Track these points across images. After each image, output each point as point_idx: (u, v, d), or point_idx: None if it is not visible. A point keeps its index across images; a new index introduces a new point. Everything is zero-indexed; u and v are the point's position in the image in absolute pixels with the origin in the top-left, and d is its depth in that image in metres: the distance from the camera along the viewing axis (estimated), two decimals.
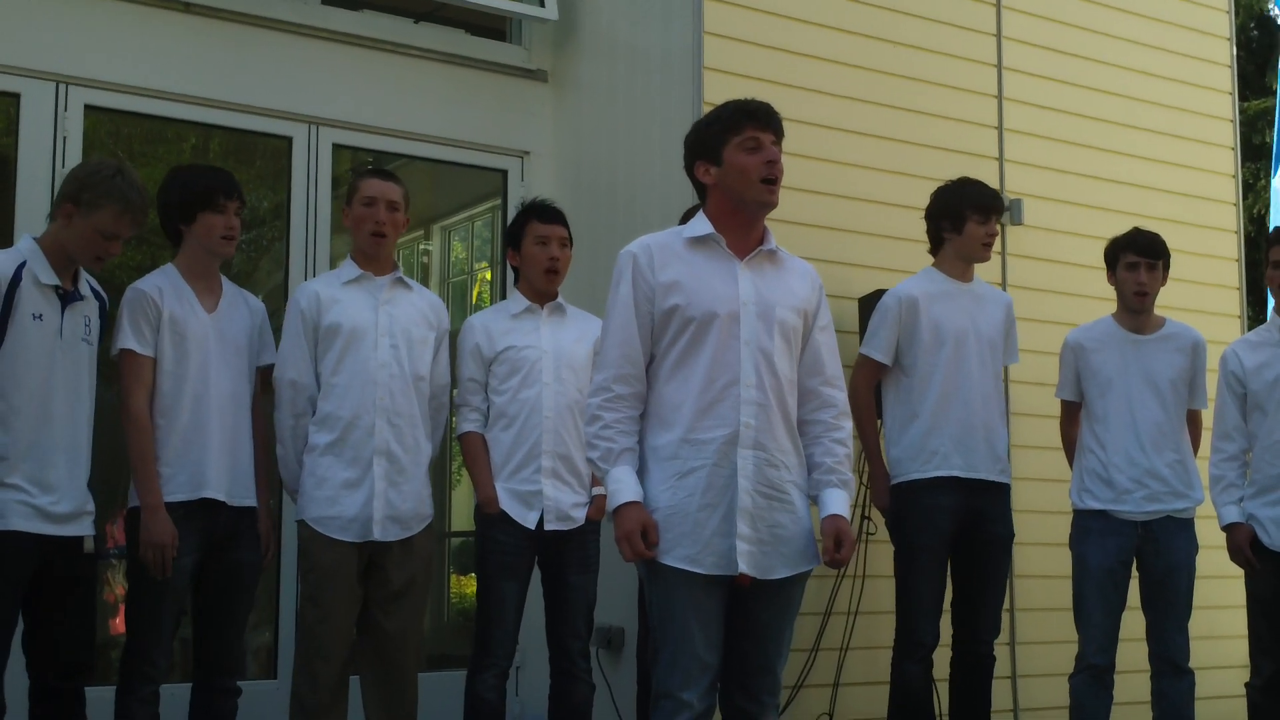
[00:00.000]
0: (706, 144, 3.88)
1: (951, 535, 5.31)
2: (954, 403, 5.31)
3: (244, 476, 4.69)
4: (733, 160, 3.81)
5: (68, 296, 4.33)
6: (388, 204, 4.92)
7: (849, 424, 3.98)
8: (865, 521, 5.86)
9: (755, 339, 3.77)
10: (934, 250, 5.57)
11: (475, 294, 7.37)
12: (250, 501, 4.71)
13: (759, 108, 3.87)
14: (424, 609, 5.03)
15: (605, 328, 3.86)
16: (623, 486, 3.70)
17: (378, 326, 4.85)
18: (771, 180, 3.81)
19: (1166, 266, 5.62)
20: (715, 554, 3.69)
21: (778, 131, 3.87)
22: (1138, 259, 5.55)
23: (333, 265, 6.14)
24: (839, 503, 3.86)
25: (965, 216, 5.44)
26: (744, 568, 3.69)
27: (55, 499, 4.23)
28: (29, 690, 4.29)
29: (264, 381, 4.87)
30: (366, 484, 4.76)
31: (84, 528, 4.34)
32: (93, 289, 4.49)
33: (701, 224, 3.87)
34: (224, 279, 4.83)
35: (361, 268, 4.94)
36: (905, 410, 5.39)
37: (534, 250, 5.18)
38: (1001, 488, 5.40)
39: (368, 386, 4.79)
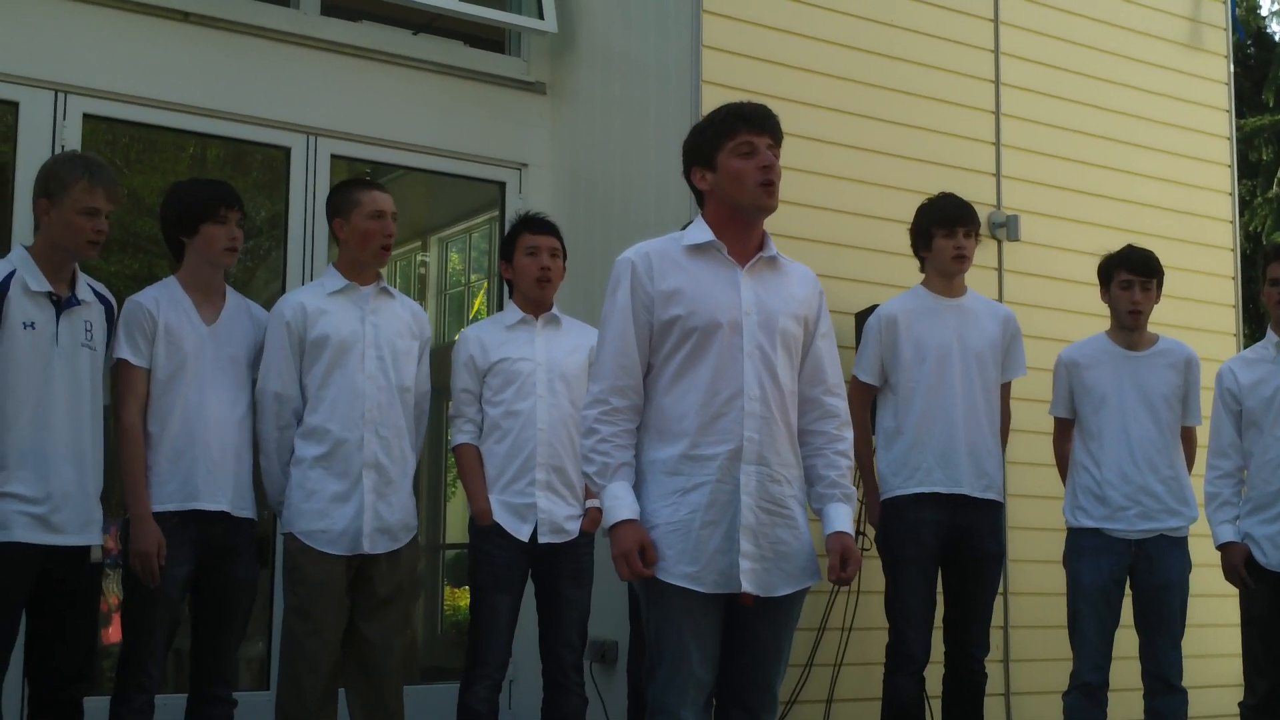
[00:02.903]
0: (701, 150, 3.80)
1: (938, 550, 5.30)
2: (936, 419, 5.30)
3: (245, 488, 4.69)
4: (727, 166, 3.73)
5: (63, 302, 4.33)
6: (391, 216, 4.93)
7: (850, 434, 3.91)
8: (860, 538, 5.84)
9: (758, 349, 3.69)
10: (922, 269, 5.59)
11: (475, 307, 7.37)
12: (250, 513, 4.71)
13: (753, 111, 3.79)
14: (408, 618, 5.02)
15: (601, 337, 3.78)
16: (619, 503, 3.62)
17: (364, 338, 4.84)
18: (768, 184, 3.72)
19: (1160, 284, 5.61)
20: (717, 572, 3.63)
21: (774, 134, 3.78)
22: (1131, 277, 5.55)
23: None
24: (843, 519, 3.80)
25: (931, 233, 5.45)
26: (748, 586, 3.63)
27: (58, 508, 4.22)
28: (28, 699, 4.29)
29: None
30: (356, 497, 4.75)
31: (90, 537, 4.33)
32: (98, 294, 4.50)
33: (701, 230, 3.79)
34: (229, 290, 4.83)
35: (348, 278, 4.92)
36: (891, 427, 5.40)
37: (524, 261, 5.18)
38: (991, 504, 5.37)
39: (356, 400, 4.78)
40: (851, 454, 3.90)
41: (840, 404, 3.90)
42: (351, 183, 5.12)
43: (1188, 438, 5.64)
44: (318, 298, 4.89)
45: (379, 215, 4.90)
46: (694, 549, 3.62)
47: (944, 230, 5.42)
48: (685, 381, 3.69)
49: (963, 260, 5.43)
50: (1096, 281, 5.72)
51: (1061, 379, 5.66)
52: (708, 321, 3.68)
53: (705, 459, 3.65)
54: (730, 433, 3.66)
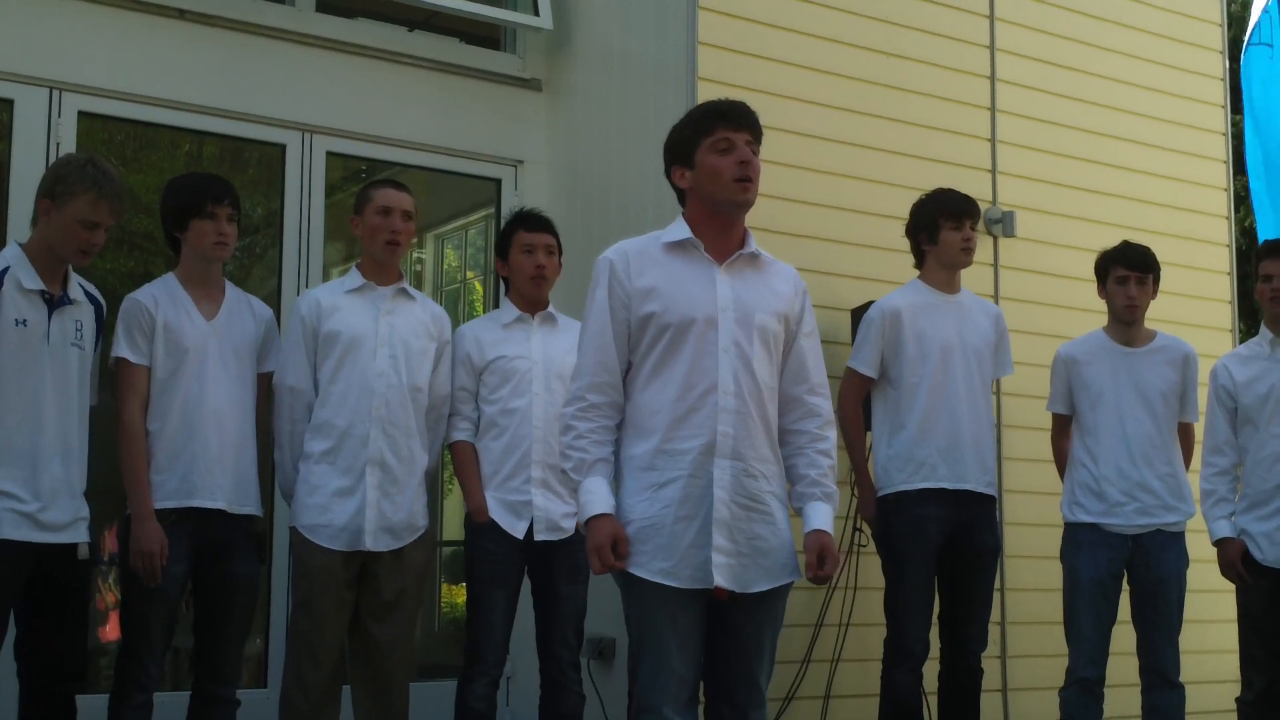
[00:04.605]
0: (680, 148, 3.83)
1: (939, 546, 5.31)
2: (940, 414, 5.31)
3: (246, 483, 4.70)
4: (704, 163, 3.75)
5: (55, 301, 4.32)
6: (403, 213, 4.95)
7: (834, 433, 3.91)
8: (856, 534, 5.85)
9: (734, 345, 3.71)
10: (918, 264, 5.59)
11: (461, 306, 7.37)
12: (251, 509, 4.72)
13: (730, 108, 3.80)
14: (416, 620, 5.03)
15: (582, 335, 3.81)
16: (594, 498, 3.65)
17: (377, 336, 4.86)
18: (744, 179, 3.72)
19: (1157, 280, 5.62)
20: (692, 566, 3.64)
21: (753, 131, 3.79)
22: (1127, 273, 5.56)
23: (325, 272, 6.15)
24: (823, 517, 3.79)
25: (939, 225, 5.46)
26: (720, 581, 3.63)
27: (48, 506, 4.22)
28: (20, 697, 4.28)
29: (268, 388, 4.88)
30: (359, 493, 4.77)
31: (78, 534, 4.32)
32: (88, 294, 4.49)
33: (680, 228, 3.82)
34: (229, 284, 4.84)
35: (367, 277, 4.95)
36: (892, 422, 5.40)
37: (520, 259, 5.18)
38: (989, 499, 5.40)
39: (364, 395, 4.79)
40: (834, 453, 3.90)
41: (823, 403, 3.90)
42: (371, 181, 5.19)
43: (1186, 434, 5.65)
44: (335, 295, 4.93)
45: (385, 211, 4.93)
46: (668, 544, 3.64)
47: (953, 222, 5.44)
48: (661, 378, 3.71)
49: (970, 252, 5.46)
50: (1093, 277, 5.74)
51: (1059, 375, 5.67)
52: (682, 318, 3.70)
53: (678, 454, 3.67)
54: (703, 427, 3.67)
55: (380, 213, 4.94)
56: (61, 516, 4.26)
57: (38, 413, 4.25)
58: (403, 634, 4.88)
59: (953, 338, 5.38)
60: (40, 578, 4.22)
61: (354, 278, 4.98)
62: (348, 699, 4.88)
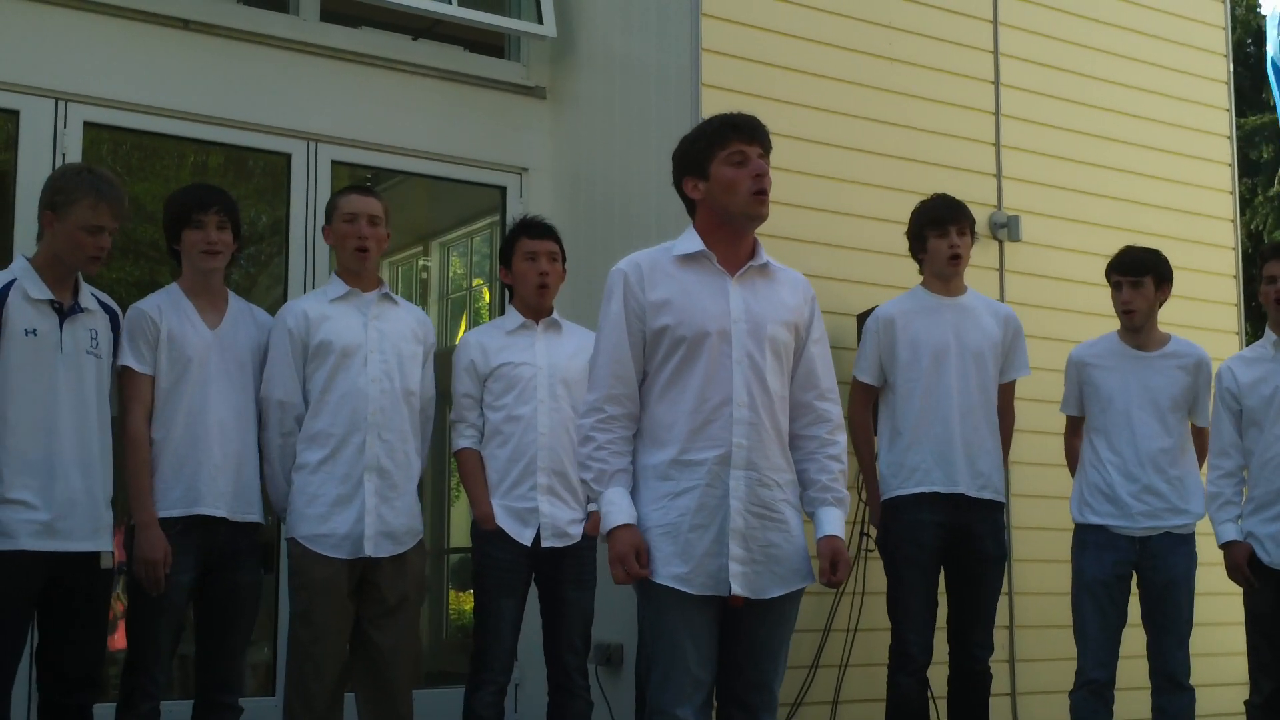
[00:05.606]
0: (693, 159, 3.85)
1: (938, 550, 5.30)
2: (933, 418, 5.31)
3: (248, 492, 4.70)
4: (719, 175, 3.78)
5: (66, 310, 4.33)
6: (369, 219, 4.93)
7: (843, 438, 3.95)
8: (864, 538, 5.85)
9: (747, 357, 3.75)
10: (921, 271, 5.60)
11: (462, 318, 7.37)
12: (254, 517, 4.72)
13: (744, 121, 3.84)
14: (417, 625, 5.04)
15: (597, 347, 3.85)
16: (616, 509, 3.70)
17: (368, 342, 4.86)
18: (761, 192, 3.78)
19: (1159, 282, 5.60)
20: (706, 574, 3.68)
21: (764, 144, 3.83)
22: (1120, 278, 5.59)
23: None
24: (835, 522, 3.85)
25: (925, 234, 5.48)
26: (738, 589, 3.68)
27: (64, 515, 4.22)
28: (38, 706, 4.29)
29: None
30: (358, 500, 4.76)
31: (99, 543, 4.33)
32: (103, 303, 4.51)
33: (691, 240, 3.85)
34: (232, 295, 4.85)
35: (348, 284, 4.95)
36: (890, 427, 5.42)
37: (523, 266, 5.19)
38: (991, 505, 5.37)
39: (359, 403, 4.79)
40: (844, 458, 3.94)
41: (833, 409, 3.94)
42: (340, 190, 5.17)
43: (1200, 437, 5.65)
44: (320, 304, 4.91)
45: (351, 218, 4.92)
46: (683, 551, 3.69)
47: (936, 230, 5.45)
48: (676, 389, 3.76)
49: (958, 260, 5.45)
50: (1097, 281, 5.77)
51: (1071, 378, 5.68)
52: (696, 331, 3.74)
53: (694, 464, 3.71)
54: (719, 439, 3.72)
55: (347, 220, 4.92)
56: (80, 526, 4.26)
57: (53, 422, 4.25)
58: (405, 640, 4.87)
59: (948, 340, 5.38)
60: (57, 587, 4.22)
61: (337, 286, 4.97)
62: (351, 707, 4.88)
